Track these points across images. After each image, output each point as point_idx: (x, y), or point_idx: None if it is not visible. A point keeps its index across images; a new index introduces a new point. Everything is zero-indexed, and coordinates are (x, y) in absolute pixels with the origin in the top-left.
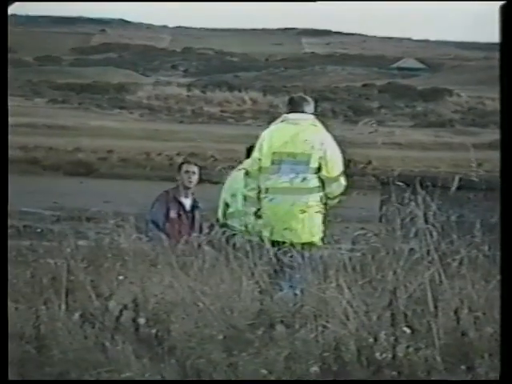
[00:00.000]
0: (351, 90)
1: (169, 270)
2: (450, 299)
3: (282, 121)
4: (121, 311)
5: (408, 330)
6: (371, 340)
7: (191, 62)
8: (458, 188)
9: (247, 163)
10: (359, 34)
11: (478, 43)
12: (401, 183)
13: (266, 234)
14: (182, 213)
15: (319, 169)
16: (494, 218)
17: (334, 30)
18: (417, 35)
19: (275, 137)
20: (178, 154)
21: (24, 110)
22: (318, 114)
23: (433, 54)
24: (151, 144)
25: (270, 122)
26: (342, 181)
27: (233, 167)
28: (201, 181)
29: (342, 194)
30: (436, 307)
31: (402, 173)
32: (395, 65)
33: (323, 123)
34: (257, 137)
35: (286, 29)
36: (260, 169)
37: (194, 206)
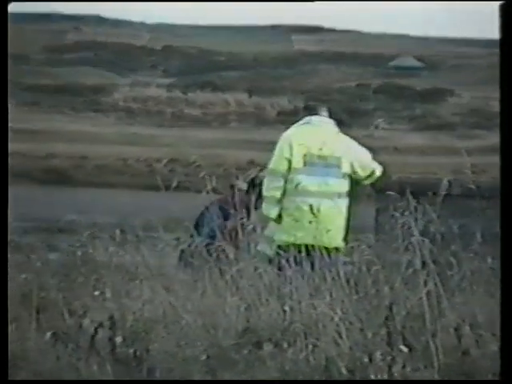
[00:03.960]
0: (345, 90)
1: (148, 285)
2: (451, 316)
3: (306, 123)
4: (96, 329)
5: (405, 349)
6: (366, 360)
7: (172, 62)
8: (460, 196)
9: (272, 162)
10: (353, 31)
11: (482, 40)
12: (397, 191)
13: (285, 238)
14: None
15: (350, 174)
16: (499, 228)
17: (326, 26)
18: (415, 31)
19: (304, 138)
20: (157, 160)
21: None
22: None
23: (432, 51)
24: (129, 149)
25: (256, 125)
26: (377, 173)
27: (216, 174)
28: (183, 189)
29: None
30: (435, 324)
31: (399, 179)
32: (392, 63)
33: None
34: (241, 141)
35: (274, 26)
36: (289, 169)
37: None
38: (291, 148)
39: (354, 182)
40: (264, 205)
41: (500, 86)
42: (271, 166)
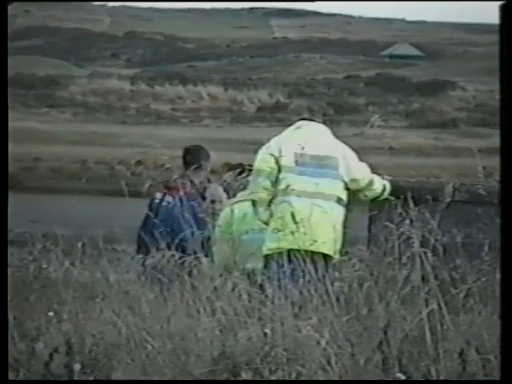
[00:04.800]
0: (332, 82)
1: (109, 304)
2: (455, 339)
3: (297, 128)
4: (51, 355)
5: (403, 377)
6: None
7: (135, 50)
8: (464, 202)
9: (257, 161)
10: (342, 15)
11: (487, 25)
12: (393, 196)
13: (273, 244)
14: None
15: (346, 180)
16: None
17: (310, 9)
18: (412, 16)
19: (294, 138)
20: (120, 162)
21: None
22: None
23: (432, 38)
24: (87, 150)
25: (232, 122)
26: (376, 184)
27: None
28: (150, 195)
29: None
30: (437, 348)
31: (396, 183)
32: (386, 52)
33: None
34: (215, 141)
35: (251, 8)
36: (279, 170)
37: None
38: (280, 146)
39: (351, 192)
40: (255, 209)
41: (500, 86)
42: (256, 165)
